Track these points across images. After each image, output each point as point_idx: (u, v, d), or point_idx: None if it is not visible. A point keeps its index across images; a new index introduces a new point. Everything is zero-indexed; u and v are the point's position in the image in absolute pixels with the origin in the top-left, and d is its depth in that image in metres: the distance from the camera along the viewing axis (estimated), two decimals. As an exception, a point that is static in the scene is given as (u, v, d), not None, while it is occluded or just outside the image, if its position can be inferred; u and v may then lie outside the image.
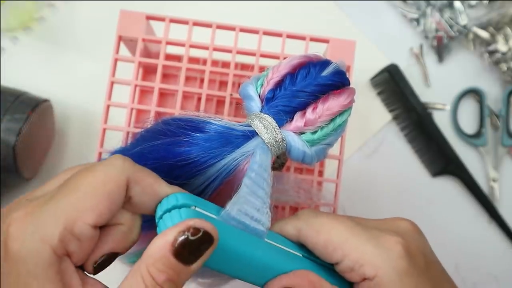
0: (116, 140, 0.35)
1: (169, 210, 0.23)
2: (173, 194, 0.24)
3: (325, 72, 0.28)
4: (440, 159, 0.54)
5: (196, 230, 0.21)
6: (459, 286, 0.28)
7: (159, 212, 0.23)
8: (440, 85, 0.56)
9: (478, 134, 0.55)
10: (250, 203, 0.25)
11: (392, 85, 0.54)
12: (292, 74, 0.28)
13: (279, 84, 0.28)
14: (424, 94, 0.55)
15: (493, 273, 0.53)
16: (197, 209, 0.23)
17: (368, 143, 0.54)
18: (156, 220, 0.24)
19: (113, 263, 0.24)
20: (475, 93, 0.56)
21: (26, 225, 0.20)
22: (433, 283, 0.26)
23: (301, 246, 0.28)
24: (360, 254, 0.25)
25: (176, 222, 0.22)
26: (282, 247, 0.26)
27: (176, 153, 0.26)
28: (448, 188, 0.54)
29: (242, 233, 0.25)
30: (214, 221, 0.24)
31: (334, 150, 0.35)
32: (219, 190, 0.27)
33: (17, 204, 0.22)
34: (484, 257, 0.53)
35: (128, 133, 0.38)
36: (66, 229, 0.20)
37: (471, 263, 0.53)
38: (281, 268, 0.26)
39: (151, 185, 0.23)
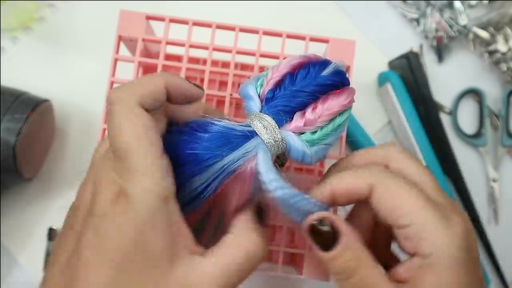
0: (116, 140, 0.35)
1: None
2: None
3: (325, 72, 0.27)
4: (440, 158, 0.53)
5: None
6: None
7: None
8: (440, 85, 0.56)
9: (478, 134, 0.55)
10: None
11: (408, 72, 0.54)
12: (292, 74, 0.28)
13: (278, 84, 0.28)
14: (424, 94, 0.55)
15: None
16: None
17: (368, 143, 0.54)
18: None
19: None
20: (475, 93, 0.56)
21: None
22: (478, 283, 0.25)
23: None
24: (425, 228, 0.24)
25: None
26: None
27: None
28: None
29: None
30: None
31: (334, 150, 0.35)
32: (218, 191, 0.27)
33: None
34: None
35: (128, 133, 0.38)
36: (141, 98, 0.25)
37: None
38: None
39: (180, 87, 0.28)
